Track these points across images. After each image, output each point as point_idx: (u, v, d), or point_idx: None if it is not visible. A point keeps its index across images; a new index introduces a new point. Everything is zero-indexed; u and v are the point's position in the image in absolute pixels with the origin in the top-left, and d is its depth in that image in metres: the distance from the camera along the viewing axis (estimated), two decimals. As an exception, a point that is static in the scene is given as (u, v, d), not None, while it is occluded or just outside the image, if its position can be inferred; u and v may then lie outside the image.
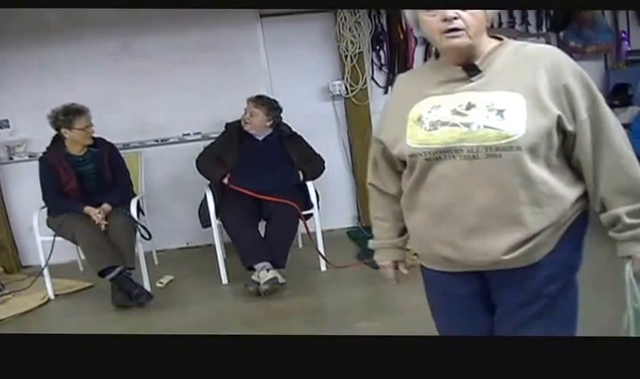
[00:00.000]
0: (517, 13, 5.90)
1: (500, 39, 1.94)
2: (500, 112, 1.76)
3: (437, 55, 1.99)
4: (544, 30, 5.92)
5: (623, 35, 6.04)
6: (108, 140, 4.81)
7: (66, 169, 4.54)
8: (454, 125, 1.79)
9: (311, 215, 4.78)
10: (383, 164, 2.09)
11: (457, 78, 1.87)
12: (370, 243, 2.26)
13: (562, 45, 5.89)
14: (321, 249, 4.77)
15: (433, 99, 1.87)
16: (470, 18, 1.78)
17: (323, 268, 4.81)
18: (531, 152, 1.76)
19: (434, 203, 1.88)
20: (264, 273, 4.34)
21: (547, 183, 1.80)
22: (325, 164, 4.95)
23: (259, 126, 4.87)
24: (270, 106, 4.90)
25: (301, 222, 4.74)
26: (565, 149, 1.86)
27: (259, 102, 4.88)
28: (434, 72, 1.94)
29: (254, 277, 4.36)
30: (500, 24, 5.84)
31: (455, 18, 1.76)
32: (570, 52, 5.85)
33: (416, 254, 2.12)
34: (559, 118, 1.78)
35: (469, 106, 1.80)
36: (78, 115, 4.54)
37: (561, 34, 5.96)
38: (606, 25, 5.93)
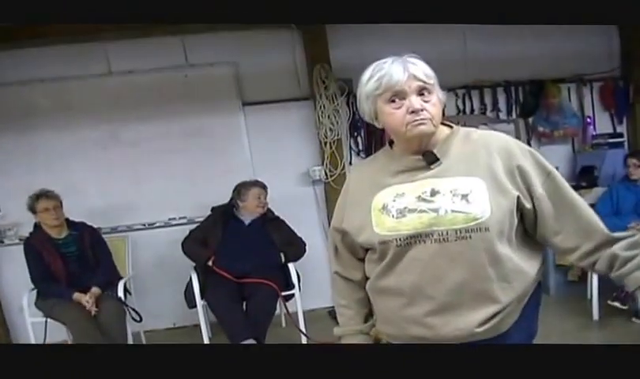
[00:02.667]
0: (488, 101, 6.14)
1: (450, 126, 2.05)
2: (465, 196, 1.86)
3: (390, 144, 2.08)
4: (514, 116, 6.14)
5: (589, 120, 6.30)
6: (91, 224, 4.93)
7: (49, 250, 4.62)
8: (422, 211, 1.87)
9: (293, 295, 4.86)
10: (345, 252, 2.13)
11: (417, 167, 1.95)
12: (336, 330, 2.25)
13: (531, 130, 6.12)
14: (301, 326, 4.83)
15: (396, 188, 1.95)
16: (432, 109, 1.90)
17: (304, 346, 4.86)
18: (498, 232, 1.85)
19: (405, 285, 1.92)
20: (249, 351, 4.38)
21: (512, 259, 1.90)
22: (307, 247, 5.05)
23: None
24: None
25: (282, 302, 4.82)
26: (526, 226, 1.96)
27: (264, 186, 5.07)
28: (390, 161, 2.03)
29: (239, 355, 4.40)
30: (472, 111, 6.06)
31: (422, 110, 1.88)
32: (539, 137, 6.09)
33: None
34: (518, 198, 1.89)
35: (434, 193, 1.88)
36: (37, 200, 4.66)
37: (530, 119, 6.18)
38: (572, 111, 6.17)
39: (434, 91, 1.92)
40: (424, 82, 1.89)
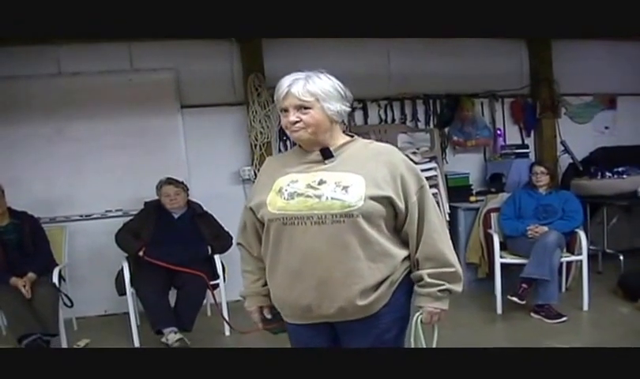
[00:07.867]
0: (408, 111, 6.24)
1: (352, 136, 2.25)
2: (345, 188, 2.05)
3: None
4: (431, 126, 6.23)
5: (499, 132, 6.46)
6: (31, 213, 4.86)
7: None
8: (308, 196, 2.06)
9: (218, 285, 4.85)
10: (251, 228, 2.29)
11: (314, 160, 2.15)
12: (240, 292, 2.40)
13: (447, 139, 6.20)
14: (225, 315, 4.84)
15: (292, 176, 2.13)
16: (309, 119, 2.09)
17: (227, 333, 4.89)
18: (366, 219, 2.04)
19: (291, 261, 2.09)
20: (172, 336, 4.43)
21: (380, 244, 2.09)
22: (233, 240, 5.01)
23: (183, 204, 5.02)
24: (185, 187, 5.06)
25: (209, 292, 4.83)
26: (398, 223, 2.15)
27: (179, 183, 5.06)
28: (296, 155, 2.23)
29: (163, 340, 4.44)
30: (393, 120, 6.11)
31: (296, 122, 2.09)
32: (454, 145, 6.19)
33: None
34: (390, 198, 2.08)
35: (321, 182, 2.08)
36: None
37: (446, 130, 6.29)
38: (484, 123, 6.34)
39: (314, 106, 2.09)
40: (299, 100, 2.08)
